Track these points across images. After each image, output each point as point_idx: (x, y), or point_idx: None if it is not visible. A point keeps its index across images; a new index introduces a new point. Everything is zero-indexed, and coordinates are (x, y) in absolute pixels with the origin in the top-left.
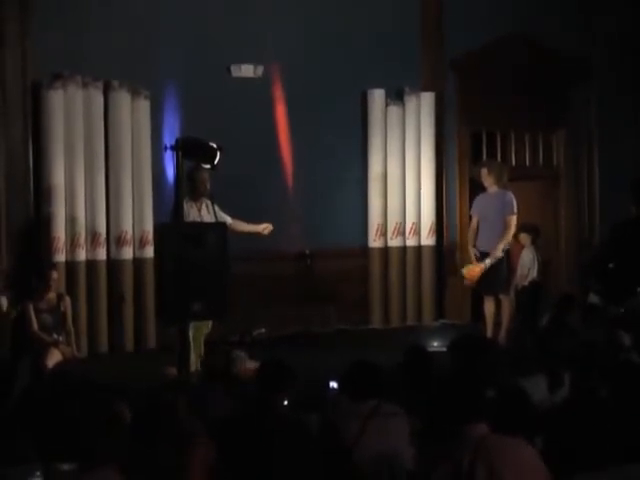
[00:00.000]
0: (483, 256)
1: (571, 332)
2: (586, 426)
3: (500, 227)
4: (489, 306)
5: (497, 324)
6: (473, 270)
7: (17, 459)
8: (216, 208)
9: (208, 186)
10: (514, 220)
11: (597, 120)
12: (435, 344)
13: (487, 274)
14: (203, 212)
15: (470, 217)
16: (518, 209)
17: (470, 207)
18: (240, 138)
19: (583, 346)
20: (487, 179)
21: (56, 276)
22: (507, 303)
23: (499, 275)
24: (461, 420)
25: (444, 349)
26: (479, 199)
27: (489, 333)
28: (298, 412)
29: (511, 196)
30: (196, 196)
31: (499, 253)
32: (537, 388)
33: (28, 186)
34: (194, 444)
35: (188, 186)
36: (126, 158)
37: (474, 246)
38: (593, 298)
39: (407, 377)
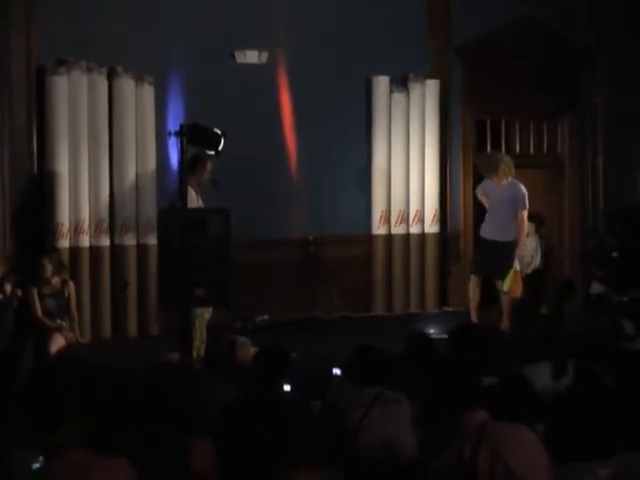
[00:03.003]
0: (489, 244)
1: (571, 319)
2: (588, 414)
3: (507, 218)
4: (474, 290)
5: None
6: (514, 283)
7: (20, 443)
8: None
9: (210, 174)
10: (526, 214)
11: (602, 107)
12: (436, 331)
13: (491, 258)
14: (200, 199)
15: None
16: None
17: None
18: (244, 124)
19: (586, 334)
20: (493, 178)
21: (47, 264)
22: (479, 286)
23: (503, 261)
24: (461, 407)
25: (445, 336)
26: (488, 185)
27: (474, 318)
28: (299, 398)
29: (523, 190)
30: (197, 183)
31: (523, 251)
32: (540, 376)
33: (32, 171)
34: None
35: (191, 172)
36: (130, 144)
37: (475, 270)
38: (596, 287)
39: (409, 364)
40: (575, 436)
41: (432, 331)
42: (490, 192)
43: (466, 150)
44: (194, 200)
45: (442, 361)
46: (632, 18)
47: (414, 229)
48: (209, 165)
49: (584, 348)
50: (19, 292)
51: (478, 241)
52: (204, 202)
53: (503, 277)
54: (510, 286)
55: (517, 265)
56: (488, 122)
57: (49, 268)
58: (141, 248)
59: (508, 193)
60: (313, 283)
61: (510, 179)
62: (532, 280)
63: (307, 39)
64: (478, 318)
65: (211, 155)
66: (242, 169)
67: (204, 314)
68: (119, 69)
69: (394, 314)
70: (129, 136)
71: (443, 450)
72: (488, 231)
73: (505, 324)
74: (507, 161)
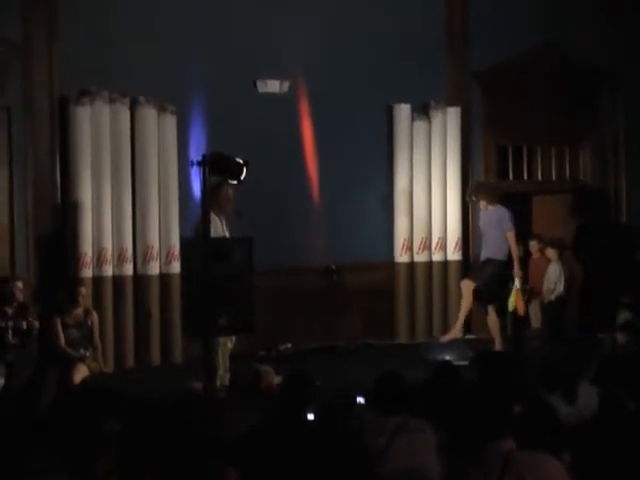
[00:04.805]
0: (484, 263)
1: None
2: (615, 441)
3: (497, 240)
4: (491, 316)
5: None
6: (517, 301)
7: (41, 473)
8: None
9: (232, 202)
10: (513, 234)
11: (624, 132)
12: (460, 359)
13: (486, 278)
14: (225, 227)
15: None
16: (545, 223)
17: None
18: (266, 153)
19: (612, 360)
20: (480, 204)
21: (84, 292)
22: (494, 313)
23: (496, 279)
24: (490, 435)
25: (463, 364)
26: (481, 216)
27: (498, 345)
28: (322, 426)
29: (507, 212)
30: (220, 211)
31: (519, 271)
32: (563, 403)
33: (55, 201)
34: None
35: (214, 201)
36: (152, 173)
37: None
38: (623, 314)
39: (433, 392)
40: (601, 464)
41: (455, 359)
42: (483, 223)
43: (488, 177)
44: (219, 229)
45: (467, 389)
46: None
47: (437, 257)
48: (230, 193)
49: (609, 374)
50: (37, 324)
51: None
52: (230, 232)
53: (500, 296)
54: (514, 304)
55: (517, 284)
56: (510, 149)
57: (83, 295)
58: (164, 277)
59: (494, 217)
60: (336, 311)
61: (491, 206)
62: (555, 307)
63: (327, 68)
64: (503, 345)
65: (230, 184)
66: (264, 197)
67: (227, 343)
68: (141, 99)
69: (417, 341)
70: (152, 166)
71: (469, 478)
72: (483, 254)
73: (498, 344)
74: (473, 187)
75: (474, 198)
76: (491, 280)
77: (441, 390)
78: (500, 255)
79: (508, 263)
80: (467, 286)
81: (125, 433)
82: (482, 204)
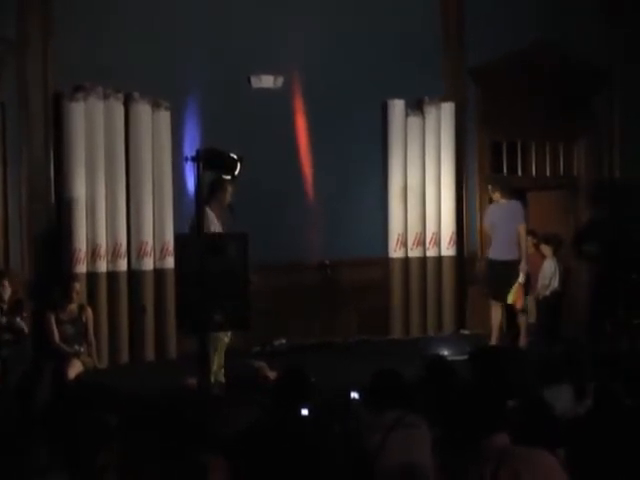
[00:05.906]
0: (497, 264)
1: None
2: (609, 436)
3: (510, 235)
4: (496, 312)
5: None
6: (517, 294)
7: (41, 470)
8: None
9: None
10: (524, 228)
11: (619, 130)
12: (455, 354)
13: (498, 280)
14: (220, 222)
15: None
16: (539, 218)
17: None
18: (260, 149)
19: (608, 355)
20: (494, 196)
21: (79, 288)
22: (497, 308)
23: (508, 280)
24: (484, 430)
25: (461, 358)
26: (491, 209)
27: (493, 340)
28: (319, 422)
29: (520, 207)
30: (217, 207)
31: (525, 265)
32: (560, 398)
33: (49, 197)
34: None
35: (210, 196)
36: (147, 169)
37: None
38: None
39: (428, 388)
40: (596, 460)
41: (450, 354)
42: (493, 215)
43: (482, 172)
44: (216, 224)
45: (462, 385)
46: None
47: (431, 252)
48: (230, 188)
49: (605, 369)
50: (25, 327)
51: (487, 264)
52: (223, 226)
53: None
54: (514, 298)
55: (522, 279)
56: (504, 144)
57: (77, 291)
58: (158, 273)
59: (507, 212)
60: (330, 307)
61: (503, 200)
62: (550, 302)
63: (322, 63)
64: (498, 340)
65: (230, 179)
66: (259, 193)
67: (224, 338)
68: (135, 95)
69: (412, 337)
70: (146, 161)
71: (463, 473)
72: (493, 252)
73: (523, 342)
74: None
75: (489, 187)
76: (499, 282)
77: (437, 386)
78: (508, 255)
79: (516, 262)
80: (495, 310)
81: (122, 429)
82: (496, 196)
